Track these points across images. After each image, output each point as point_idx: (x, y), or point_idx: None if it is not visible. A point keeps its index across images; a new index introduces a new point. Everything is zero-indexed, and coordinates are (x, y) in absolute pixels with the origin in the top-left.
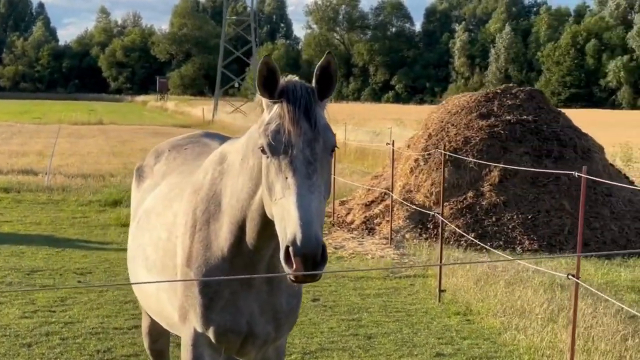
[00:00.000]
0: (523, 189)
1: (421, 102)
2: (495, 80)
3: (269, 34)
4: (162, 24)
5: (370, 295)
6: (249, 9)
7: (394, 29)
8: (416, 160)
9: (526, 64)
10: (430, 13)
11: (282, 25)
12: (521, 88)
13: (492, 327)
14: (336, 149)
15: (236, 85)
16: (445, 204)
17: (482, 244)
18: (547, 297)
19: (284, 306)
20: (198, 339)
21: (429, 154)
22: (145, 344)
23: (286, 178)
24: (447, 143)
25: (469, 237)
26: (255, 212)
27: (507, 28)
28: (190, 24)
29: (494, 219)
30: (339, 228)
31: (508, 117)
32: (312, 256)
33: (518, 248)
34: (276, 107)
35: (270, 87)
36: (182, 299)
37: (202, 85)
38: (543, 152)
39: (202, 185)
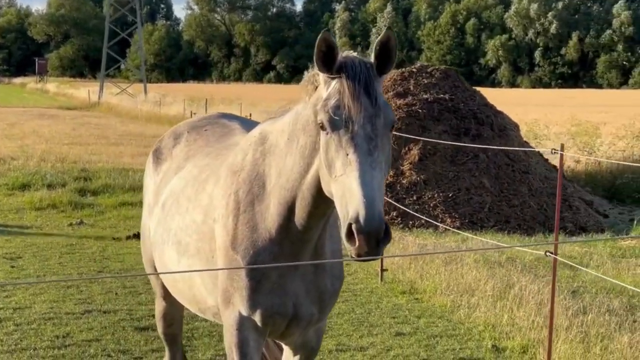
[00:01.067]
0: (443, 167)
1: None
2: None
3: (149, 15)
4: (38, 5)
5: None
6: None
7: (274, 9)
8: None
9: (407, 42)
10: None
11: (162, 6)
12: (436, 67)
13: (442, 305)
14: (395, 124)
15: (122, 66)
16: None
17: (430, 220)
18: (488, 274)
19: (328, 287)
20: (243, 323)
21: None
22: (160, 329)
23: (347, 154)
24: None
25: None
26: (307, 192)
27: (389, 7)
28: (68, 5)
29: (414, 197)
30: None
31: (425, 96)
32: (375, 234)
33: (440, 227)
34: (335, 83)
35: (328, 63)
36: (225, 283)
37: (82, 67)
38: (461, 130)
39: (243, 166)
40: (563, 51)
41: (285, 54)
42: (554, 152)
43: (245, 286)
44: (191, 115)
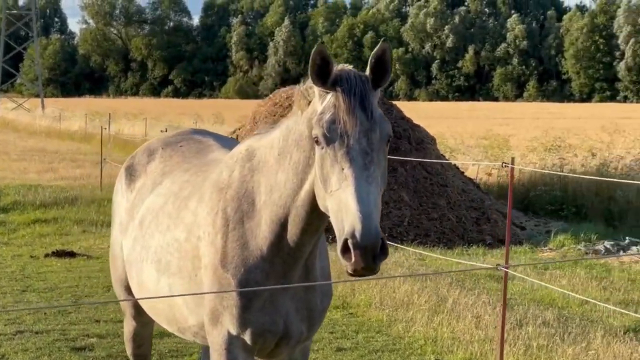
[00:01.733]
0: None
1: (200, 96)
2: (275, 74)
3: (43, 28)
4: None
5: None
6: (21, 2)
7: (171, 23)
8: None
9: (304, 57)
10: (208, 7)
11: (56, 20)
12: None
13: (379, 320)
14: (390, 138)
15: (18, 80)
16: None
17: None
18: (419, 287)
19: (318, 305)
20: (232, 342)
21: None
22: (129, 350)
23: (342, 169)
24: None
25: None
26: (301, 208)
27: (286, 21)
28: None
29: None
30: None
31: None
32: (371, 249)
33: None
34: (330, 97)
35: (323, 76)
36: (214, 301)
37: None
38: None
39: (230, 183)
40: (460, 64)
41: (182, 68)
42: (505, 166)
43: (236, 304)
44: (101, 130)
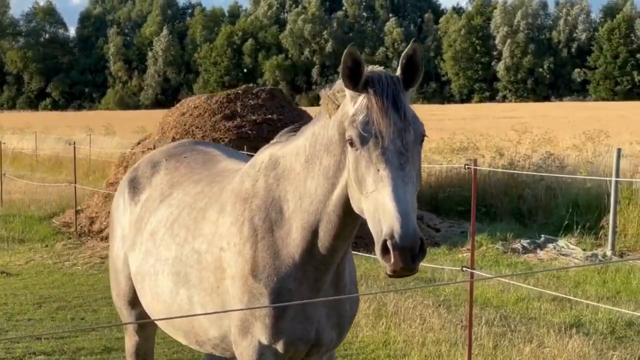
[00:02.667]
0: None
1: (80, 108)
2: (155, 84)
3: None
4: None
5: None
6: None
7: (47, 35)
8: None
9: (184, 65)
10: (84, 18)
11: None
12: (262, 88)
13: None
14: (425, 137)
15: None
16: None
17: None
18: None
19: (347, 311)
20: (263, 352)
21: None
22: None
23: (378, 170)
24: None
25: None
26: (333, 213)
27: (164, 31)
28: None
29: None
30: (90, 238)
31: (253, 117)
32: (410, 249)
33: None
34: (362, 99)
35: (354, 78)
36: (244, 312)
37: None
38: None
39: (255, 192)
40: (340, 69)
41: (60, 81)
42: (467, 168)
43: (269, 314)
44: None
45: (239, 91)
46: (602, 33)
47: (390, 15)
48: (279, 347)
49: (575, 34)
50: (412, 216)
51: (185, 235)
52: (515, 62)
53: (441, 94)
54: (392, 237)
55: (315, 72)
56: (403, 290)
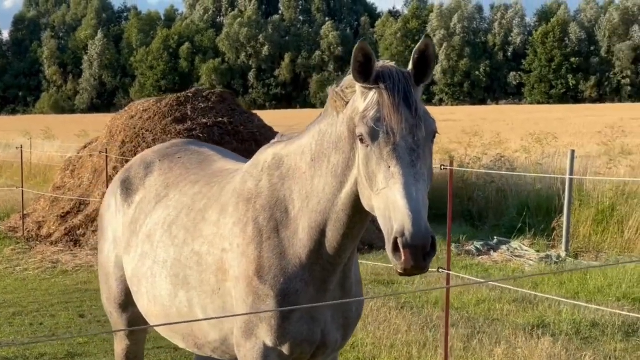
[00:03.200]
0: None
1: (14, 112)
2: (90, 88)
3: None
4: None
5: None
6: None
7: None
8: (114, 168)
9: (120, 69)
10: (18, 21)
11: None
12: (212, 90)
13: None
14: (437, 134)
15: None
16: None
17: None
18: None
19: (353, 312)
20: (268, 355)
21: (127, 161)
22: None
23: (389, 167)
24: (146, 149)
25: None
26: (342, 212)
27: (99, 34)
28: None
29: None
30: (38, 242)
31: (204, 120)
32: (422, 247)
33: None
34: (372, 94)
35: (365, 73)
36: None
37: None
38: (244, 154)
39: (258, 192)
40: (276, 73)
41: None
42: (443, 168)
43: (275, 315)
44: None
45: (189, 94)
46: (537, 37)
47: (327, 18)
48: (285, 349)
49: (510, 38)
50: (424, 214)
51: (184, 237)
52: (451, 65)
53: None
54: (403, 235)
55: (252, 75)
56: (394, 295)
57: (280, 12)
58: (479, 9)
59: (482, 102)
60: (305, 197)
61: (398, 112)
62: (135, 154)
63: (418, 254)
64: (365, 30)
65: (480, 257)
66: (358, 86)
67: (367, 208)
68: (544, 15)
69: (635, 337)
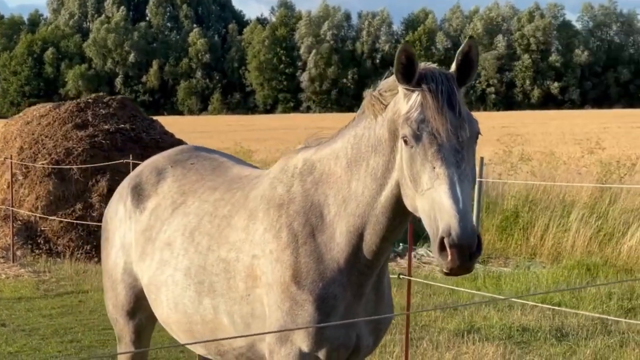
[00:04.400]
0: None
1: None
2: None
3: None
4: None
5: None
6: None
7: None
8: (14, 174)
9: None
10: None
11: None
12: (113, 97)
13: None
14: (480, 135)
15: None
16: (53, 217)
17: None
18: None
19: (384, 317)
20: None
21: (27, 168)
22: None
23: (434, 168)
24: (47, 155)
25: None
26: (382, 215)
27: None
28: None
29: None
30: None
31: (106, 127)
32: (468, 247)
33: None
34: (415, 96)
35: (408, 75)
36: (284, 319)
37: None
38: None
39: (291, 198)
40: (144, 79)
41: None
42: None
43: (313, 320)
44: None
45: (89, 100)
46: None
47: (195, 25)
48: (321, 354)
49: (378, 45)
50: (470, 214)
51: (209, 244)
52: (319, 72)
53: (245, 105)
54: (449, 234)
55: (118, 82)
56: None
57: (147, 18)
58: (347, 16)
59: (350, 109)
60: (342, 201)
61: (442, 113)
62: (35, 160)
63: (464, 254)
64: (233, 37)
65: (390, 264)
66: (400, 88)
67: (410, 209)
68: (411, 24)
69: (565, 340)
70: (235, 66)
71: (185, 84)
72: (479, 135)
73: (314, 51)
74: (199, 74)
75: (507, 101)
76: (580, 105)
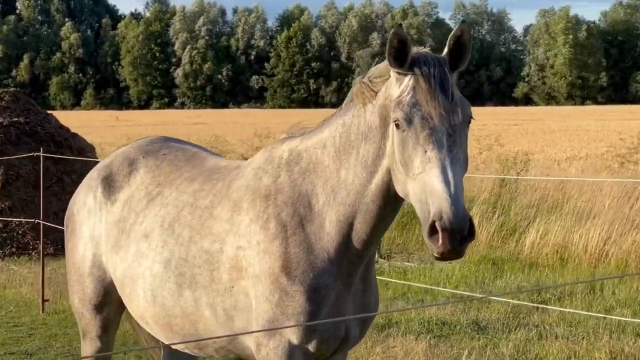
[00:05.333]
0: (27, 193)
1: None
2: None
3: None
4: None
5: None
6: None
7: None
8: None
9: None
10: None
11: None
12: (5, 90)
13: None
14: (472, 120)
15: None
16: None
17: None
18: None
19: (372, 307)
20: (293, 352)
21: None
22: None
23: (425, 151)
24: None
25: None
26: (372, 204)
27: None
28: None
29: (1, 225)
30: None
31: (0, 120)
32: (459, 230)
33: (33, 253)
34: (407, 80)
35: (400, 59)
36: (273, 311)
37: None
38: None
39: (278, 188)
40: (14, 73)
41: None
42: None
43: (304, 312)
44: None
45: None
46: (280, 41)
47: (67, 19)
48: (311, 346)
49: (253, 42)
50: (461, 198)
51: (190, 235)
52: (194, 68)
53: (119, 100)
54: (440, 218)
55: None
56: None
57: (18, 11)
58: (223, 12)
59: (224, 105)
60: (331, 191)
61: (434, 96)
62: None
63: (455, 238)
64: (106, 32)
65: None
66: (393, 72)
67: (401, 194)
68: (286, 20)
69: (484, 334)
70: (109, 61)
71: (58, 78)
72: (471, 119)
73: (188, 47)
74: (71, 68)
75: None
76: None
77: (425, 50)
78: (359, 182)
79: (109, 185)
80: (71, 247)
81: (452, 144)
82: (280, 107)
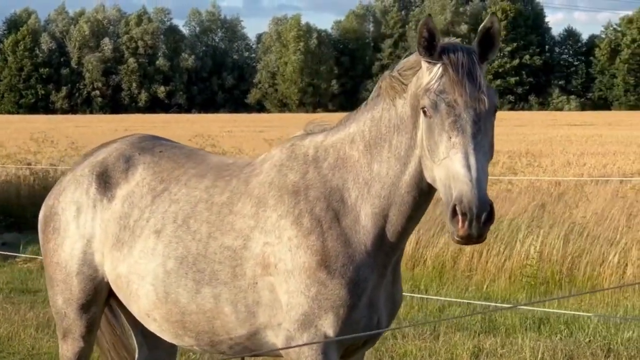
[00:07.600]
0: None
1: None
2: None
3: None
4: None
5: None
6: None
7: None
8: None
9: None
10: None
11: None
12: None
13: None
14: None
15: None
16: None
17: None
18: None
19: (398, 297)
20: (329, 346)
21: None
22: None
23: (450, 138)
24: None
25: None
26: (407, 195)
27: None
28: None
29: None
30: None
31: None
32: (479, 214)
33: None
34: (436, 68)
35: (429, 48)
36: (308, 305)
37: None
38: None
39: (307, 184)
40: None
41: None
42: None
43: (344, 304)
44: None
45: None
46: (7, 45)
47: None
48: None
49: None
50: (483, 183)
51: (209, 231)
52: None
53: None
54: (461, 202)
55: None
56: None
57: None
58: None
59: None
60: (364, 184)
61: (461, 84)
62: None
63: (475, 222)
64: None
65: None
66: (423, 61)
67: (428, 180)
68: (14, 24)
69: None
70: None
71: None
72: (497, 109)
73: None
74: None
75: (115, 105)
76: (188, 110)
77: (456, 40)
78: (393, 173)
79: (105, 181)
80: (54, 246)
81: (476, 131)
82: (9, 112)
